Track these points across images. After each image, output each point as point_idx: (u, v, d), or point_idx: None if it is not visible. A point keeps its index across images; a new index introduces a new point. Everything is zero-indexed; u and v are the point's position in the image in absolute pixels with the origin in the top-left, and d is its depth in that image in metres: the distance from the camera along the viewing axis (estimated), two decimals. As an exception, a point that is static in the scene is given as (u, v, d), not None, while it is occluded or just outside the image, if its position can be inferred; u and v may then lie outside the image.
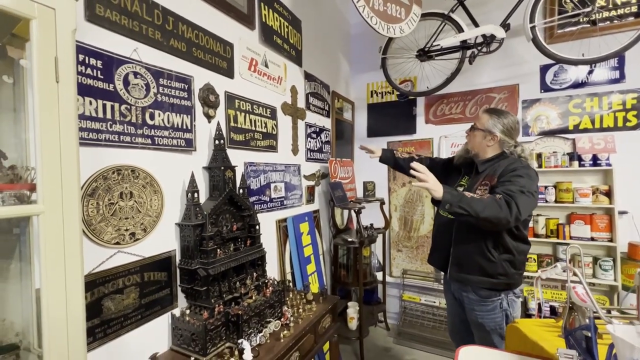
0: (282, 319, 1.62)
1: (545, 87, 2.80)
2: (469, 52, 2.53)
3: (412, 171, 1.45)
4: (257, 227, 1.75)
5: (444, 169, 1.99)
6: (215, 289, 1.47)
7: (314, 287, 2.49)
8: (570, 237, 2.60)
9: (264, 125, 2.10)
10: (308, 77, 2.67)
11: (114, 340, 1.22)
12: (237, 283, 1.58)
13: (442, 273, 1.94)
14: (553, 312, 2.56)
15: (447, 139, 3.18)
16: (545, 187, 2.68)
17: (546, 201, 2.67)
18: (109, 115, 1.20)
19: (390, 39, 2.74)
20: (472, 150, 1.70)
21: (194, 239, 1.45)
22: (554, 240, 2.66)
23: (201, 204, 1.53)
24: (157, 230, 1.39)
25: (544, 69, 2.79)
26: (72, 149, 0.78)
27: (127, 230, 1.26)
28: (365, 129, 3.58)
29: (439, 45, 2.56)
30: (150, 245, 1.36)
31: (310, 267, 2.49)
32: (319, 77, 2.86)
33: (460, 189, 1.73)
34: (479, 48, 2.48)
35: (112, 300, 1.21)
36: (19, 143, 0.88)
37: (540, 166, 2.70)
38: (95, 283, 1.16)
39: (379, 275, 3.19)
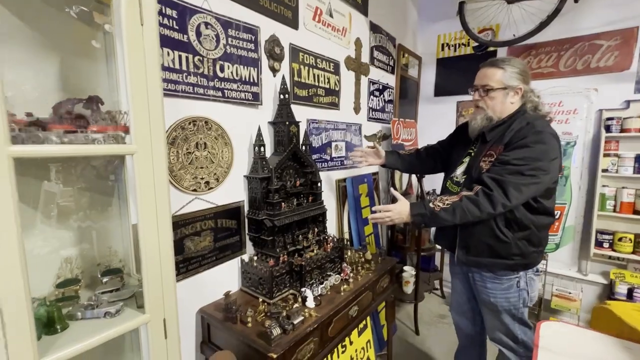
0: (341, 274, 1.65)
1: (676, 29, 2.21)
2: (574, -12, 2.07)
3: (370, 218, 1.48)
4: (319, 184, 1.75)
5: (450, 145, 1.71)
6: (279, 240, 1.53)
7: (371, 249, 2.49)
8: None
9: (326, 80, 2.02)
10: (373, 28, 2.46)
11: (194, 275, 1.36)
12: (300, 236, 1.63)
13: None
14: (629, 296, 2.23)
15: (531, 98, 2.76)
16: (658, 156, 2.22)
17: (656, 173, 2.22)
18: (184, 67, 1.24)
19: (471, -22, 2.36)
20: (498, 117, 1.39)
21: (260, 191, 1.50)
22: (660, 218, 2.24)
23: (267, 158, 1.56)
24: (228, 181, 1.46)
25: (679, 5, 2.19)
26: (157, 92, 0.81)
27: (202, 178, 1.34)
28: (433, 87, 3.28)
29: (535, -20, 2.13)
30: (222, 194, 1.44)
31: (368, 229, 2.48)
32: (384, 29, 2.63)
33: (464, 163, 1.51)
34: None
35: (191, 241, 1.33)
36: (112, 89, 0.95)
37: (654, 130, 2.22)
38: (177, 224, 1.27)
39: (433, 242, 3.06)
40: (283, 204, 1.56)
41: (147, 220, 0.82)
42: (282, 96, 1.60)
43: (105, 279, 0.96)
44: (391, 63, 2.80)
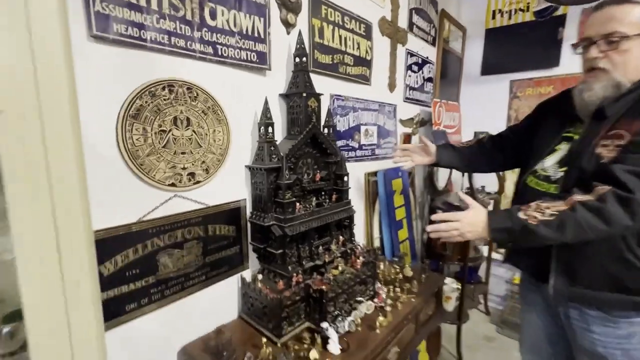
0: (375, 299, 1.24)
1: None
2: None
3: (428, 231, 1.01)
4: (346, 178, 1.33)
5: (529, 130, 1.20)
6: (293, 253, 1.13)
7: (406, 259, 2.04)
8: None
9: (356, 45, 1.58)
10: (413, -15, 1.99)
11: (174, 302, 0.98)
12: (320, 248, 1.22)
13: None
14: None
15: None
16: None
17: None
18: (154, 4, 0.84)
19: None
20: (631, 80, 0.89)
21: (267, 186, 1.10)
22: None
23: (277, 142, 1.15)
24: (222, 173, 1.07)
25: None
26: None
27: (184, 168, 0.95)
28: (479, 64, 2.74)
29: None
30: (214, 190, 1.06)
31: (402, 234, 2.04)
32: (426, -11, 2.14)
33: (558, 150, 1.02)
34: None
35: (169, 257, 0.95)
36: None
37: None
38: (147, 233, 0.90)
39: (481, 250, 2.58)
40: (298, 204, 1.15)
41: (34, 239, 0.43)
42: (298, 59, 1.18)
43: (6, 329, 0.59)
44: (432, 32, 2.31)
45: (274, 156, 1.12)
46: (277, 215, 1.11)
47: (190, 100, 0.95)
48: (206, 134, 1.00)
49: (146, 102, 0.85)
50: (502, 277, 2.71)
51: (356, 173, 1.72)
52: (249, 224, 1.18)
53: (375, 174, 1.85)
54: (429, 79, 2.35)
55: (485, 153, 1.34)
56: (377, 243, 1.88)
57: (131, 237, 0.86)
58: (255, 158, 1.14)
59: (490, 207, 2.38)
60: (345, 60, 1.52)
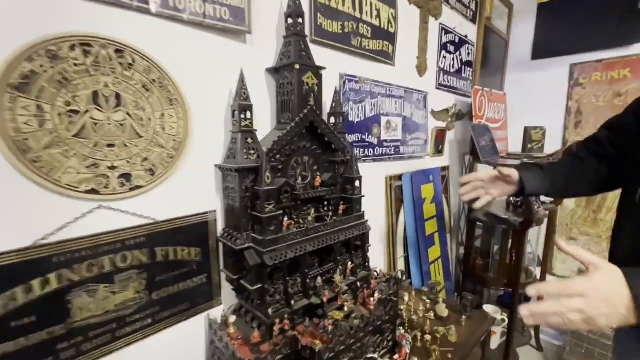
0: (395, 356, 0.88)
1: None
2: None
3: (525, 317, 0.51)
4: (358, 183, 0.99)
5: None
6: (277, 289, 0.80)
7: (439, 280, 1.65)
8: None
9: (375, 12, 1.23)
10: (450, -56, 1.60)
11: None
12: (319, 279, 0.88)
13: None
14: None
15: None
16: None
17: None
18: None
19: None
20: None
21: (240, 194, 0.78)
22: None
23: (257, 134, 0.83)
24: (178, 174, 0.76)
25: None
26: None
27: (112, 168, 0.66)
28: (530, 46, 2.27)
29: None
30: (165, 199, 0.75)
31: (434, 252, 1.65)
32: (465, -49, 1.75)
33: None
34: None
35: (89, 294, 0.66)
36: None
37: None
38: (50, 263, 0.61)
39: (534, 273, 2.10)
40: (286, 219, 0.82)
41: None
42: (291, 20, 0.86)
43: None
44: (472, 6, 1.90)
45: (251, 152, 0.80)
46: (256, 234, 0.79)
47: (121, 68, 0.65)
48: (149, 119, 0.70)
49: (41, 66, 0.56)
50: (558, 306, 2.21)
51: (375, 176, 1.36)
52: (220, 244, 0.86)
53: (399, 177, 1.48)
54: (468, 63, 1.94)
55: (583, 168, 0.91)
56: (401, 264, 1.50)
57: (22, 270, 0.58)
58: (227, 155, 0.83)
59: (545, 222, 1.91)
60: (361, 30, 1.17)
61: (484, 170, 0.95)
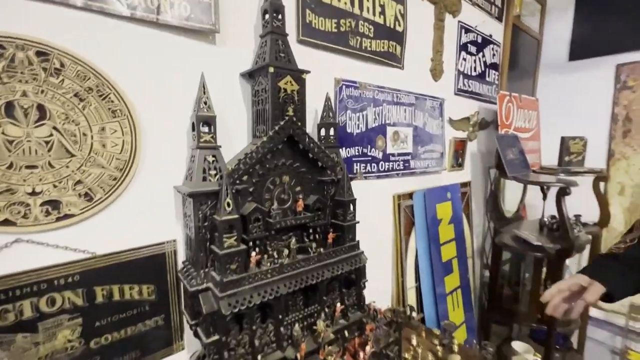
0: None
1: None
2: None
3: None
4: (352, 207, 0.83)
5: None
6: (240, 340, 0.65)
7: (457, 315, 1.43)
8: None
9: (378, 9, 1.07)
10: None
11: (22, 422, 0.57)
12: (297, 325, 0.73)
13: None
14: None
15: None
16: None
17: None
18: None
19: None
20: None
21: (195, 224, 0.64)
22: None
23: (219, 149, 0.70)
24: (125, 199, 0.64)
25: None
26: None
27: (34, 193, 0.54)
28: (567, 45, 2.01)
29: None
30: (107, 228, 0.63)
31: (451, 280, 1.43)
32: (489, -59, 1.56)
33: None
34: None
35: (2, 347, 0.54)
36: None
37: None
38: (-52, 310, 0.49)
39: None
40: (254, 253, 0.67)
41: None
42: (267, 16, 0.73)
43: None
44: (497, 2, 1.70)
45: (212, 172, 0.66)
46: (216, 273, 0.65)
47: (45, 74, 0.54)
48: (84, 134, 0.58)
49: None
50: (604, 344, 1.90)
51: (380, 194, 1.19)
52: (179, 280, 0.73)
53: (410, 195, 1.30)
54: (493, 66, 1.73)
55: None
56: (412, 296, 1.30)
57: None
58: (186, 175, 0.70)
59: (588, 247, 1.63)
60: (361, 29, 1.02)
61: (564, 281, 0.73)
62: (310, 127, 0.93)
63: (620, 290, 0.68)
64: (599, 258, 0.77)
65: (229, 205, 0.62)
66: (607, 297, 0.68)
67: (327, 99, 0.86)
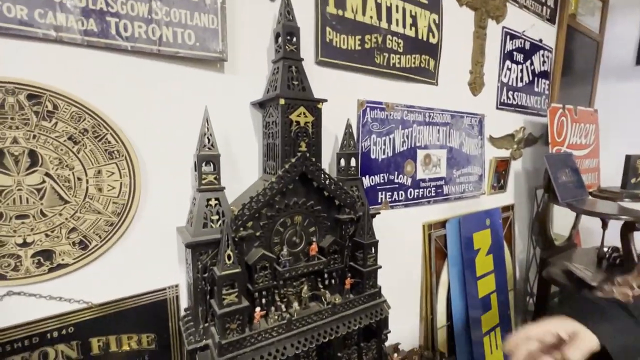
0: None
1: None
2: None
3: None
4: (372, 250, 0.73)
5: None
6: (241, 407, 0.58)
7: (495, 358, 1.27)
8: None
9: (409, 20, 0.96)
10: None
11: None
12: (306, 388, 0.64)
13: None
14: None
15: None
16: None
17: None
18: None
19: None
20: None
21: (194, 275, 0.58)
22: None
23: (222, 190, 0.63)
24: (123, 245, 0.60)
25: None
26: None
27: (25, 244, 0.51)
28: (634, 47, 1.74)
29: None
30: (103, 276, 0.59)
31: (490, 318, 1.28)
32: None
33: None
34: None
35: (-9, 406, 0.52)
36: None
37: None
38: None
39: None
40: (258, 310, 0.60)
41: None
42: (280, 40, 0.65)
43: None
44: (550, 2, 1.50)
45: (214, 217, 0.60)
46: (214, 330, 0.58)
47: (37, 118, 0.50)
48: (79, 179, 0.54)
49: None
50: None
51: (407, 224, 1.07)
52: (182, 329, 0.68)
53: (443, 224, 1.16)
54: (543, 74, 1.53)
55: None
56: (442, 336, 1.17)
57: None
58: (188, 219, 0.64)
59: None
60: (389, 44, 0.92)
61: (535, 326, 0.51)
62: (330, 155, 0.84)
63: (620, 353, 0.47)
64: (593, 299, 0.58)
65: (229, 257, 0.55)
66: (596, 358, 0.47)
67: (348, 126, 0.77)
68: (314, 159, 0.65)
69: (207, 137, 0.59)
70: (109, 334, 0.60)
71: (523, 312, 1.62)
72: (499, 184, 1.39)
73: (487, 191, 1.34)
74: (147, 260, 0.63)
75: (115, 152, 0.57)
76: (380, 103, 0.94)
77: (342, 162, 0.78)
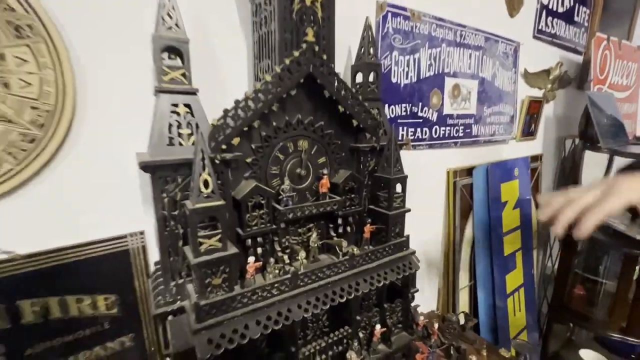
0: None
1: None
2: None
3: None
4: (400, 188, 0.56)
5: None
6: (232, 387, 0.43)
7: (517, 320, 1.16)
8: None
9: None
10: None
11: None
12: (318, 359, 0.50)
13: None
14: None
15: None
16: None
17: None
18: None
19: None
20: None
21: (159, 212, 0.41)
22: None
23: (197, 96, 0.44)
24: (54, 170, 0.42)
25: None
26: None
27: None
28: (687, -26, 1.50)
29: None
30: (30, 215, 0.42)
31: (514, 278, 1.15)
32: None
33: None
34: None
35: None
36: None
37: None
38: None
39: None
40: (251, 260, 0.43)
41: None
42: None
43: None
44: None
45: (185, 130, 0.41)
46: (191, 288, 0.42)
47: None
48: (-34, 64, 0.35)
49: None
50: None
51: (430, 169, 0.90)
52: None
53: (469, 171, 0.99)
54: (582, 1, 1.30)
55: None
56: (464, 298, 1.04)
57: None
58: (150, 136, 0.46)
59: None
60: None
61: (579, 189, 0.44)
62: (341, 71, 0.65)
63: None
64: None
65: (206, 184, 0.37)
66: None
67: (367, 28, 0.57)
68: (324, 57, 0.46)
69: (169, 12, 0.40)
70: (48, 295, 0.44)
71: (542, 271, 1.51)
72: (529, 129, 1.21)
73: (517, 137, 1.16)
74: (96, 197, 0.45)
75: (26, 27, 0.37)
76: (405, 9, 0.73)
77: (360, 76, 0.60)
